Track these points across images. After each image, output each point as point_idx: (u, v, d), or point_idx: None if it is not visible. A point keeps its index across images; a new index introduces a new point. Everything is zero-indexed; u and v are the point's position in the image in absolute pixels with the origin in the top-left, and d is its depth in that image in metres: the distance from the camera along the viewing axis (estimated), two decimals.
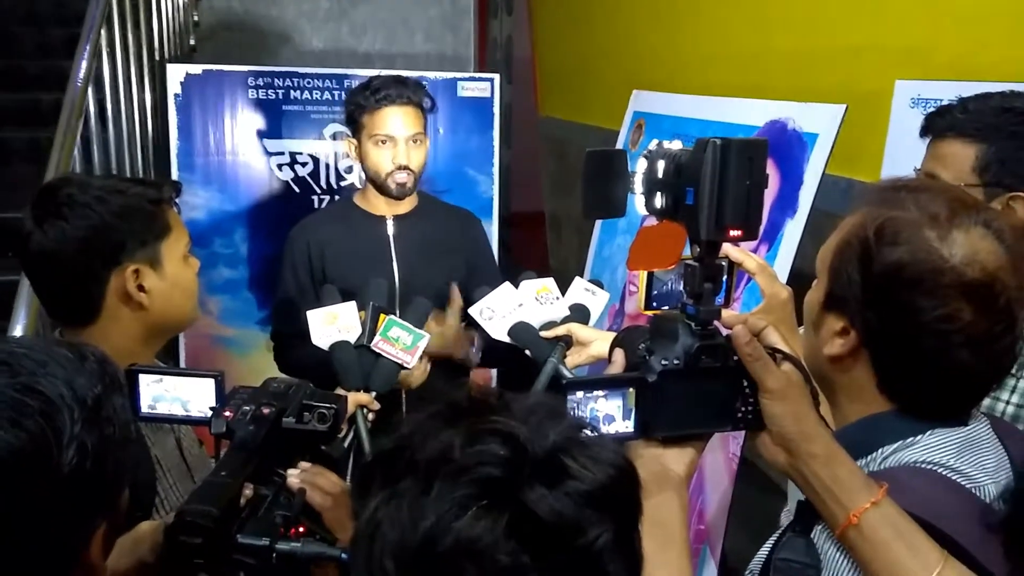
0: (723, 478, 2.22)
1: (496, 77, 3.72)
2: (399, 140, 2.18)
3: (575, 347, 1.86)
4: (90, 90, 2.87)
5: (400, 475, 0.66)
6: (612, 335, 1.93)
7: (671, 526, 0.91)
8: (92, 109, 2.90)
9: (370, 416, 1.76)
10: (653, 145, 0.93)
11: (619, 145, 3.24)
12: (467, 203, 3.11)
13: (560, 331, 1.88)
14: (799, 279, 1.54)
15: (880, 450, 1.01)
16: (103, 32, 3.05)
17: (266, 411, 1.04)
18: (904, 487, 0.92)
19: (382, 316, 1.84)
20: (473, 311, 1.96)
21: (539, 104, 5.84)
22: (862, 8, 2.46)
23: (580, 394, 0.88)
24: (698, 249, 0.91)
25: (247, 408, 1.04)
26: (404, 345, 1.83)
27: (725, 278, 1.33)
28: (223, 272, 3.53)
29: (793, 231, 2.07)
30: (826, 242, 1.07)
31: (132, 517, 1.05)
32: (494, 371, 3.67)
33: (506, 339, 1.94)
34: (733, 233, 0.87)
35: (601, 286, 2.03)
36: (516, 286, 1.98)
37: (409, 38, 5.83)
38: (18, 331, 2.00)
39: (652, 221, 0.96)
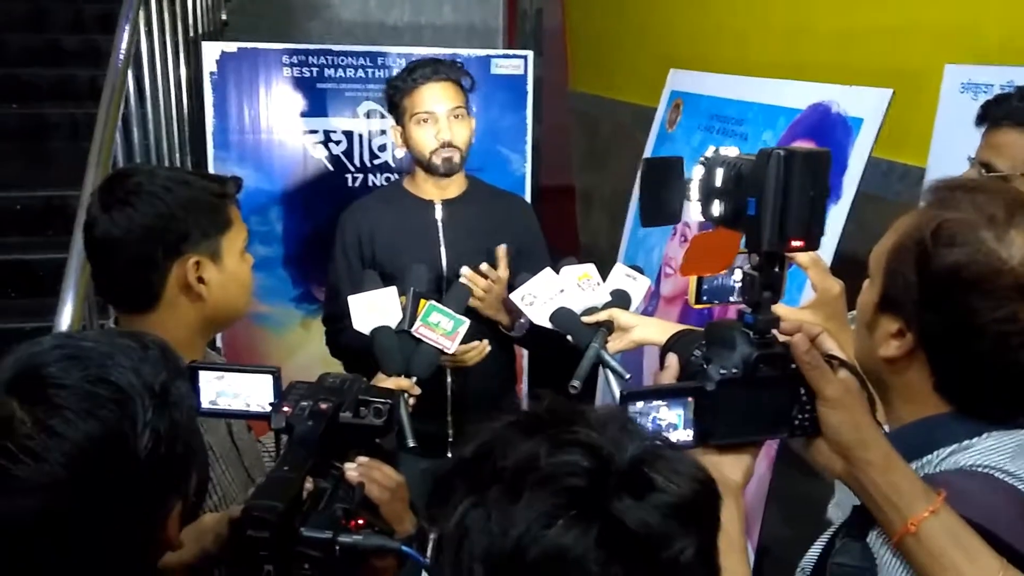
0: (760, 462, 2.22)
1: (530, 54, 3.69)
2: (440, 116, 2.18)
3: (617, 332, 1.87)
4: (129, 69, 2.89)
5: (486, 483, 0.67)
6: (654, 320, 1.95)
7: (731, 533, 0.92)
8: (131, 87, 2.92)
9: (411, 401, 1.78)
10: (710, 152, 0.93)
11: (655, 125, 3.22)
12: (500, 181, 3.11)
13: (602, 316, 1.89)
14: (843, 265, 1.54)
15: (936, 452, 1.01)
16: (140, 9, 3.06)
17: (324, 406, 1.06)
18: (960, 492, 0.93)
19: (423, 301, 1.86)
20: (515, 296, 1.97)
21: (570, 78, 5.80)
22: None
23: (641, 404, 0.89)
24: (757, 258, 0.91)
25: (305, 404, 1.06)
26: (444, 331, 1.85)
27: (776, 269, 1.34)
28: (258, 250, 3.53)
29: (837, 217, 2.05)
30: (879, 242, 1.06)
31: (191, 505, 1.09)
32: (525, 353, 3.70)
33: (548, 325, 1.95)
34: (795, 244, 0.87)
35: (642, 272, 2.04)
36: (557, 271, 2.00)
37: (437, 9, 5.79)
38: (66, 315, 2.04)
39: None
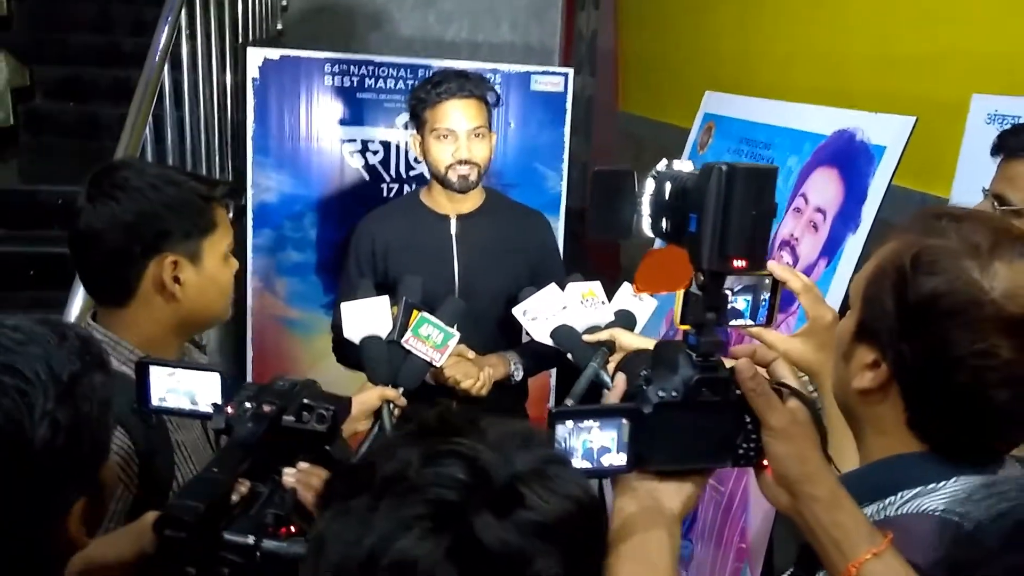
0: None
1: (570, 71, 3.68)
2: (460, 134, 2.17)
3: (618, 353, 1.83)
4: (168, 69, 2.95)
5: (356, 491, 0.66)
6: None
7: (658, 564, 0.87)
8: (168, 88, 2.97)
9: (396, 412, 1.77)
10: (662, 165, 0.90)
11: (687, 148, 3.17)
12: (535, 198, 3.10)
13: (603, 336, 1.85)
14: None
15: (900, 494, 0.95)
16: (184, 12, 3.12)
17: (267, 409, 1.04)
18: (910, 535, 0.87)
19: (415, 312, 1.85)
20: (516, 311, 1.95)
21: (619, 99, 5.77)
22: (941, 15, 2.34)
23: (570, 424, 0.85)
24: (701, 277, 0.87)
25: (248, 405, 1.05)
26: (434, 343, 1.84)
27: (768, 297, 1.28)
28: (291, 255, 3.60)
29: (854, 246, 1.99)
30: (862, 269, 1.02)
31: (148, 502, 1.08)
32: (553, 374, 3.67)
33: (548, 341, 1.92)
34: (737, 264, 0.83)
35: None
36: (562, 288, 1.97)
37: (495, 28, 5.84)
38: (76, 306, 2.07)
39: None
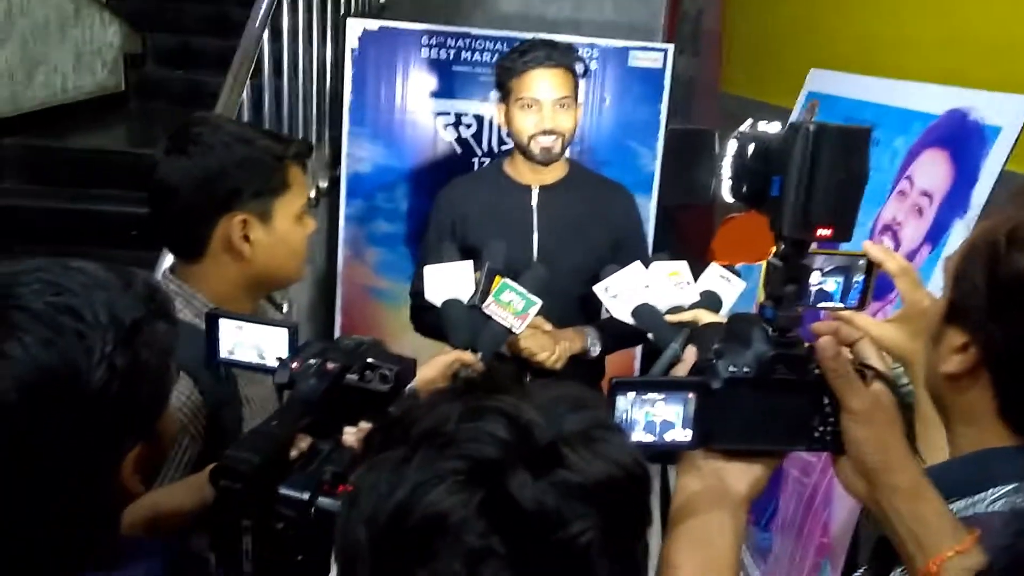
0: None
1: (670, 48, 3.58)
2: (544, 103, 2.13)
3: None
4: (268, 39, 2.99)
5: (392, 444, 0.64)
6: None
7: (718, 549, 0.83)
8: (268, 58, 3.02)
9: None
10: (746, 125, 0.84)
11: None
12: (627, 176, 3.03)
13: (686, 317, 1.79)
14: None
15: (992, 490, 0.88)
16: None
17: (330, 366, 1.03)
18: (998, 536, 0.80)
19: (497, 278, 1.82)
20: (598, 288, 1.90)
21: (722, 80, 5.61)
22: None
23: (632, 395, 0.81)
24: (782, 246, 0.81)
25: (312, 362, 1.04)
26: (515, 310, 1.81)
27: (863, 278, 1.21)
28: (382, 225, 3.63)
29: (961, 233, 1.87)
30: (957, 248, 0.94)
31: (215, 455, 1.09)
32: (638, 351, 3.60)
33: (629, 320, 1.87)
34: (821, 232, 0.77)
35: (738, 274, 1.92)
36: (646, 266, 1.91)
37: (599, 6, 5.74)
38: (165, 264, 2.11)
39: None
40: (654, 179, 3.61)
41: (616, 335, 2.25)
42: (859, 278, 1.15)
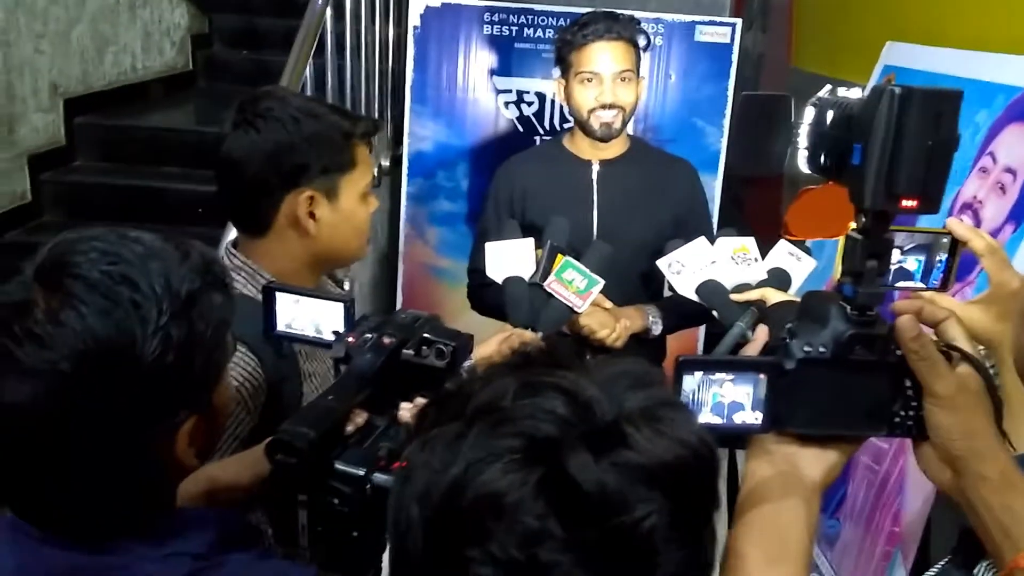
0: None
1: (738, 22, 3.48)
2: (605, 77, 2.08)
3: None
4: (331, 19, 2.99)
5: (448, 419, 0.61)
6: None
7: (790, 537, 0.78)
8: (330, 37, 3.02)
9: None
10: (825, 91, 0.79)
11: None
12: (693, 155, 2.95)
13: (753, 295, 1.74)
14: None
15: None
16: None
17: (387, 341, 1.01)
18: None
19: (559, 256, 1.79)
20: (661, 263, 1.86)
21: (791, 55, 5.46)
22: None
23: (699, 375, 0.77)
24: (862, 218, 0.76)
25: (369, 336, 1.02)
26: (577, 289, 1.78)
27: (946, 258, 1.14)
28: (443, 204, 3.62)
29: None
30: None
31: (275, 430, 1.08)
32: (701, 331, 3.53)
33: (694, 297, 1.82)
34: (906, 203, 0.72)
35: (808, 252, 1.85)
36: (712, 242, 1.86)
37: None
38: (228, 239, 2.13)
39: None
40: (720, 157, 3.53)
41: (678, 314, 2.20)
42: (942, 257, 1.09)
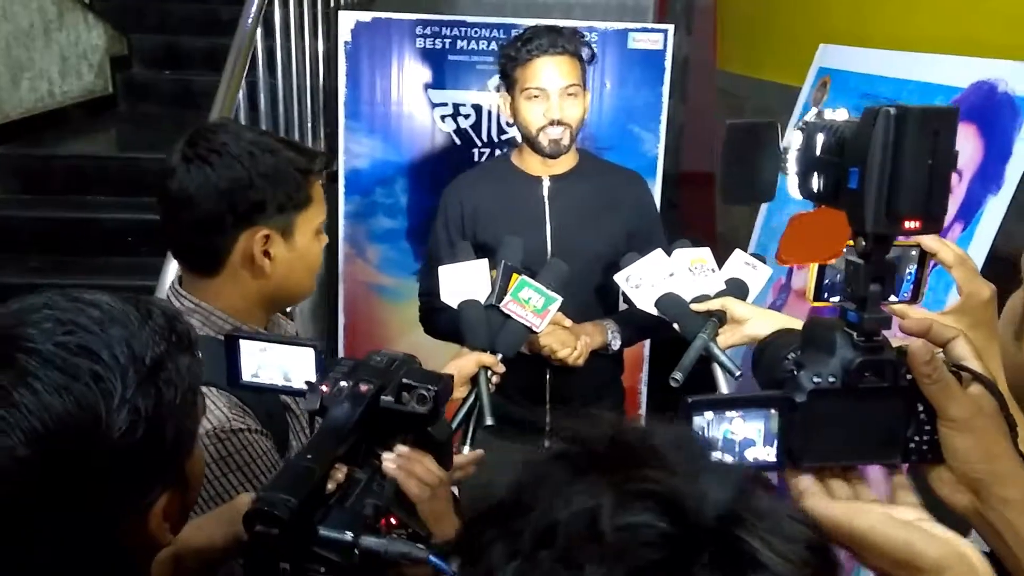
0: None
1: (670, 28, 3.50)
2: (551, 93, 2.05)
3: (729, 324, 1.70)
4: (260, 36, 2.91)
5: (531, 542, 0.51)
6: (773, 314, 1.76)
7: None
8: (260, 55, 2.94)
9: (494, 379, 1.70)
10: (811, 115, 0.77)
11: (799, 105, 2.98)
12: (630, 161, 2.96)
13: (713, 306, 1.72)
14: (998, 265, 1.33)
15: None
16: None
17: (364, 388, 0.96)
18: None
19: (514, 276, 1.76)
20: (619, 277, 1.84)
21: (717, 57, 5.53)
22: None
23: (709, 415, 0.74)
24: (863, 243, 0.74)
25: (344, 384, 0.96)
26: (535, 308, 1.75)
27: (915, 270, 1.14)
28: (383, 221, 3.56)
29: (995, 209, 1.80)
30: None
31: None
32: (647, 344, 3.54)
33: (653, 310, 1.80)
34: (909, 225, 0.70)
35: (763, 260, 1.86)
36: (669, 254, 1.85)
37: None
38: (170, 274, 2.05)
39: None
40: (657, 163, 3.55)
41: (636, 327, 2.19)
42: (911, 268, 1.08)
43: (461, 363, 1.65)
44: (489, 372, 1.70)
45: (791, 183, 0.78)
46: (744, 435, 0.75)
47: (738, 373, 1.68)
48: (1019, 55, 1.98)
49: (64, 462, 0.68)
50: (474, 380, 1.67)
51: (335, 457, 0.88)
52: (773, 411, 0.75)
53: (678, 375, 1.65)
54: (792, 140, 0.77)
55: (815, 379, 0.75)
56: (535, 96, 2.06)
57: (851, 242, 0.76)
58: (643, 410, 3.59)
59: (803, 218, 0.79)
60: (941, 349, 0.78)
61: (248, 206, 1.28)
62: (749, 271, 1.83)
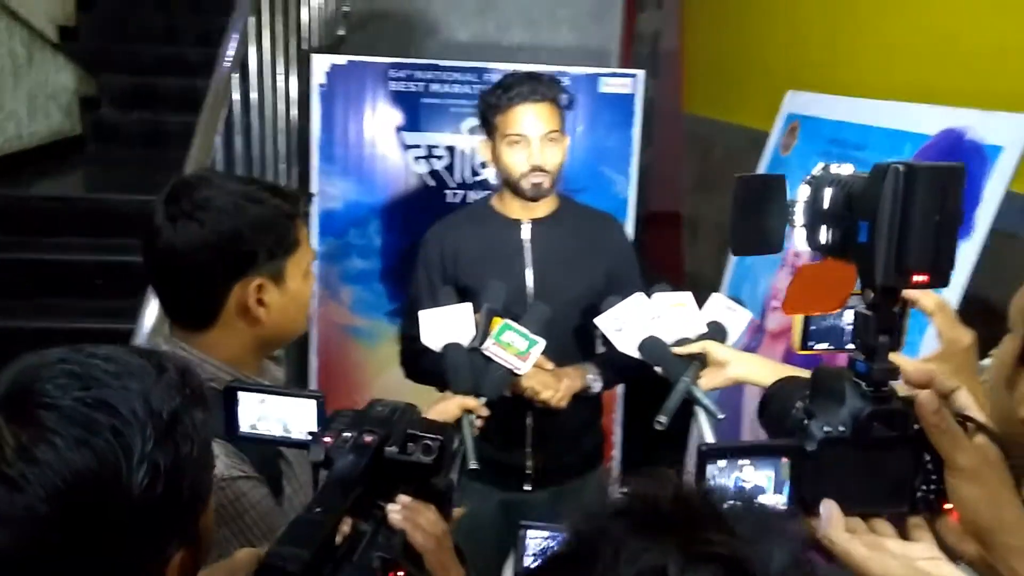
0: None
1: (640, 73, 3.57)
2: (532, 139, 2.08)
3: (711, 367, 1.73)
4: (236, 77, 2.92)
5: None
6: (753, 357, 1.79)
7: None
8: (236, 96, 2.94)
9: (478, 422, 1.70)
10: (818, 170, 0.79)
11: (768, 148, 3.04)
12: (601, 203, 3.00)
13: (695, 349, 1.75)
14: (971, 309, 1.36)
15: None
16: (251, 20, 3.09)
17: (368, 439, 0.95)
18: None
19: (496, 319, 1.77)
20: (600, 321, 1.85)
21: (684, 101, 5.63)
22: None
23: (723, 463, 0.75)
24: (871, 295, 0.76)
25: (348, 435, 0.96)
26: (518, 351, 1.76)
27: (895, 309, 1.16)
28: (356, 263, 3.55)
29: (967, 255, 1.85)
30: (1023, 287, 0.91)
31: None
32: (621, 385, 3.55)
33: (635, 354, 1.82)
34: (917, 279, 0.72)
35: (743, 304, 1.89)
36: (649, 296, 1.87)
37: (554, 31, 5.75)
38: (148, 317, 2.03)
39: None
40: (628, 204, 3.60)
41: (616, 369, 2.21)
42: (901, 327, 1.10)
43: (445, 407, 1.65)
44: (473, 416, 1.70)
45: (798, 235, 0.80)
46: (755, 482, 0.76)
47: (720, 416, 1.70)
48: (986, 104, 2.04)
49: (84, 519, 0.67)
50: (458, 424, 1.67)
51: (343, 510, 0.87)
52: (784, 459, 0.76)
53: (663, 418, 1.67)
54: (800, 193, 0.79)
55: (825, 428, 0.76)
56: (516, 142, 2.09)
57: (859, 292, 0.78)
58: (617, 451, 3.59)
59: (810, 269, 0.81)
60: (944, 399, 0.80)
61: (240, 259, 1.27)
62: (729, 314, 1.85)
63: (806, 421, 0.78)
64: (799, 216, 0.79)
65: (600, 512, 0.56)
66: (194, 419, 0.74)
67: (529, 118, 2.08)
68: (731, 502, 0.59)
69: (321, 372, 3.57)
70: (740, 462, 0.75)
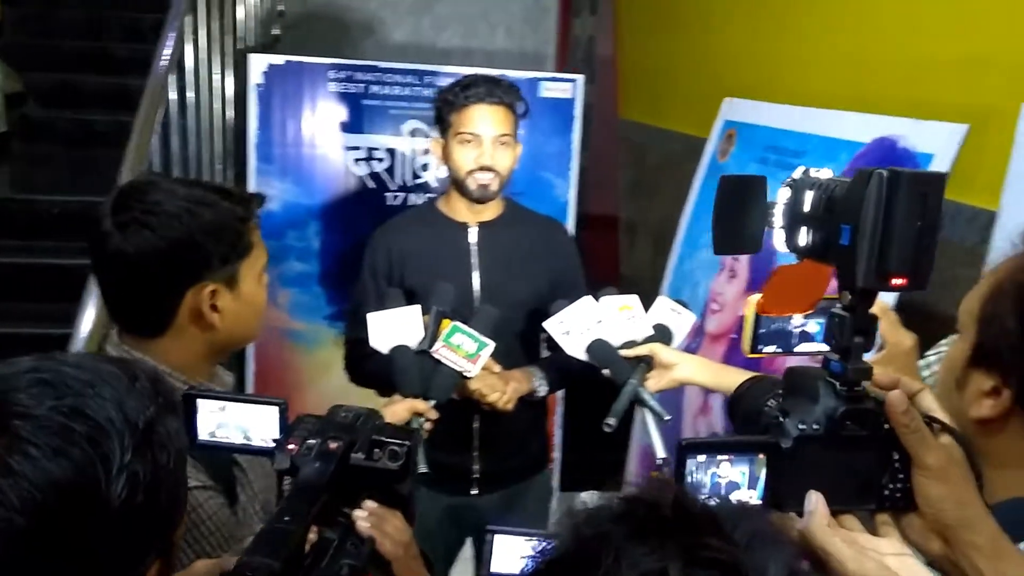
0: None
1: (580, 78, 3.60)
2: (484, 139, 2.09)
3: (657, 369, 1.75)
4: (172, 77, 2.84)
5: None
6: (697, 359, 1.81)
7: None
8: (173, 96, 2.87)
9: (427, 425, 1.69)
10: (798, 173, 0.80)
11: (706, 155, 3.08)
12: (542, 206, 3.01)
13: (642, 351, 1.77)
14: (903, 313, 1.40)
15: None
16: (188, 19, 3.02)
17: (333, 446, 0.93)
18: None
19: (445, 321, 1.76)
20: (549, 324, 1.86)
21: (619, 106, 5.69)
22: (990, 18, 2.26)
23: (703, 458, 0.76)
24: (849, 296, 0.77)
25: (312, 442, 0.93)
26: (467, 353, 1.75)
27: (871, 310, 1.18)
28: (294, 266, 3.49)
29: None
30: (973, 290, 0.94)
31: None
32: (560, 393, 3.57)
33: (583, 356, 1.83)
34: (896, 282, 0.74)
35: (686, 306, 1.91)
36: (597, 300, 1.88)
37: (490, 34, 5.77)
38: (86, 321, 1.96)
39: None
40: (568, 209, 3.62)
41: (562, 372, 2.22)
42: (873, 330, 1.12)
43: (393, 410, 1.64)
44: (422, 419, 1.69)
45: (777, 237, 0.81)
46: (730, 478, 0.77)
47: (667, 417, 1.71)
48: (916, 113, 2.10)
49: (62, 531, 0.64)
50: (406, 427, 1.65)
51: (311, 518, 0.85)
52: (760, 456, 0.77)
53: (612, 420, 1.68)
54: (780, 195, 0.80)
55: (800, 426, 0.78)
56: (468, 141, 2.09)
57: (834, 295, 0.79)
58: (558, 453, 3.60)
59: (787, 270, 0.82)
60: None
61: (192, 264, 1.24)
62: (674, 317, 1.88)
63: (781, 419, 0.79)
64: (778, 217, 0.80)
65: (601, 517, 0.57)
66: (168, 428, 0.72)
67: (483, 118, 2.08)
68: (710, 498, 0.62)
69: (258, 377, 3.50)
70: (719, 457, 0.76)
